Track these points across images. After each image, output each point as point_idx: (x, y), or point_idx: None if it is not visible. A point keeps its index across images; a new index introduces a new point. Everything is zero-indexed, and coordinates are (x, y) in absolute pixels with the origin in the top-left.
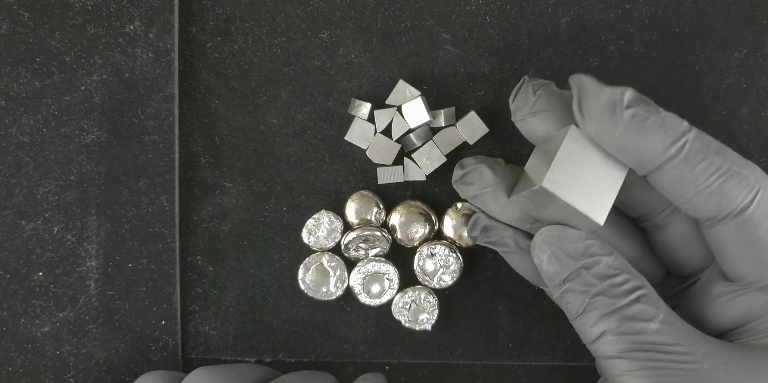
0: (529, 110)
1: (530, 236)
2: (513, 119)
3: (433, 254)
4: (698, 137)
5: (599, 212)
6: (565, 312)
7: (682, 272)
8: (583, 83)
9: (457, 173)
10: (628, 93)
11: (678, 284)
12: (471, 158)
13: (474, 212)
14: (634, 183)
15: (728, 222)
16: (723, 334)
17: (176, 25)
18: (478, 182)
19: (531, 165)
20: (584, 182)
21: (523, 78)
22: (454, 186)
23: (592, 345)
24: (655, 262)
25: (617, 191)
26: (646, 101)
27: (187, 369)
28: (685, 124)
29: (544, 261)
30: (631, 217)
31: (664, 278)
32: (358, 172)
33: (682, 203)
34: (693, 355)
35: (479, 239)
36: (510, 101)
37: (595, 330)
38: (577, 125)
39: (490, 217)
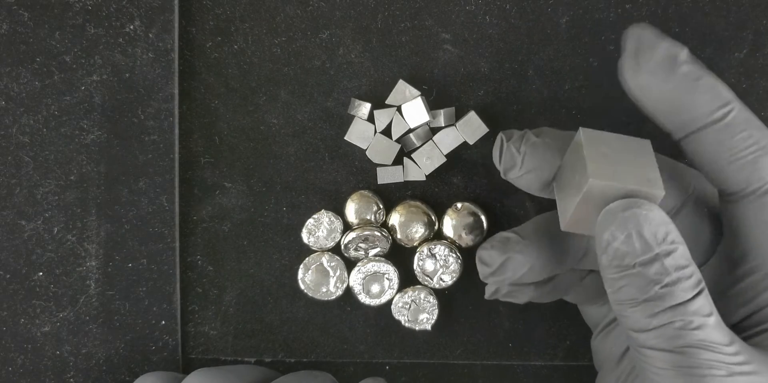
0: (519, 171)
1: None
2: (504, 177)
3: (432, 254)
4: (743, 109)
5: (655, 184)
6: (611, 291)
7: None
8: (642, 34)
9: (484, 270)
10: (685, 50)
11: None
12: (490, 249)
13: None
14: None
15: (752, 200)
16: (731, 325)
17: (176, 25)
18: (511, 272)
19: (562, 192)
20: (623, 165)
21: (499, 136)
22: (485, 281)
23: (641, 334)
24: None
25: (655, 160)
26: (700, 62)
27: (186, 369)
28: (733, 94)
29: (619, 239)
30: None
31: None
32: (358, 172)
33: (712, 170)
34: (740, 356)
35: (500, 298)
36: (495, 161)
37: (653, 321)
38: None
39: (511, 284)
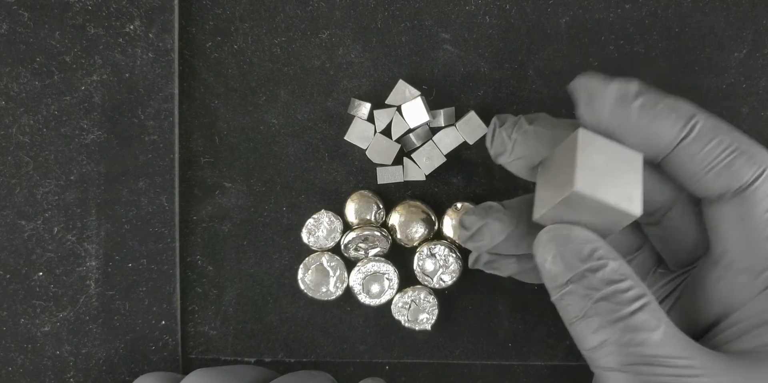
0: (509, 157)
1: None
2: (494, 161)
3: (432, 254)
4: (708, 119)
5: (634, 203)
6: (561, 314)
7: (676, 264)
8: (588, 83)
9: (463, 234)
10: (634, 83)
11: (670, 275)
12: (471, 214)
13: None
14: None
15: (731, 199)
16: (710, 326)
17: (176, 25)
18: (488, 238)
19: (544, 181)
20: (610, 178)
21: (493, 120)
22: (464, 245)
23: (589, 353)
24: (652, 253)
25: (641, 178)
26: (650, 88)
27: (186, 369)
28: (694, 107)
29: (548, 260)
30: None
31: (658, 268)
32: (358, 172)
33: (692, 183)
34: (695, 368)
35: (483, 268)
36: (487, 144)
37: (596, 337)
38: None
39: (491, 253)
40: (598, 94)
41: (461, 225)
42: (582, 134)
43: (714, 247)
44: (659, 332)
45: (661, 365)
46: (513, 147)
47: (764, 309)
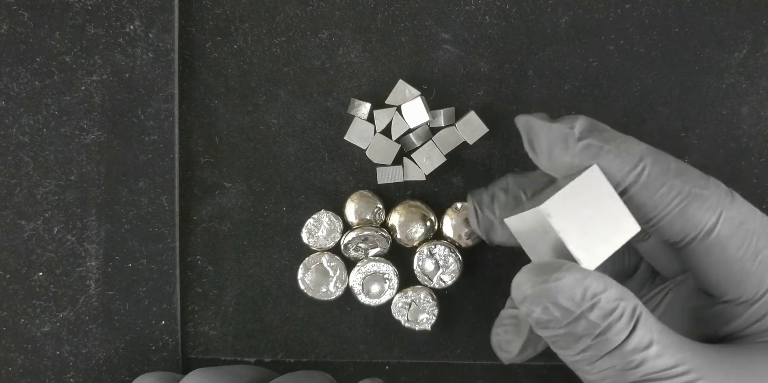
0: (501, 234)
1: None
2: (487, 242)
3: (432, 254)
4: (656, 161)
5: (592, 258)
6: (555, 350)
7: (670, 273)
8: (529, 123)
9: (505, 357)
10: (579, 123)
11: (663, 282)
12: (505, 334)
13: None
14: None
15: (696, 245)
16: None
17: (176, 25)
18: (532, 350)
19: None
20: (587, 222)
21: (470, 202)
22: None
23: (590, 378)
24: (648, 267)
25: (620, 245)
26: (599, 128)
27: (186, 369)
28: (643, 147)
29: (537, 312)
30: None
31: (654, 278)
32: (358, 172)
33: (648, 228)
34: (695, 372)
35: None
36: (473, 226)
37: (594, 370)
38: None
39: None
40: (540, 135)
41: (500, 349)
42: (591, 172)
43: (699, 283)
44: (654, 346)
45: (663, 378)
46: (501, 223)
47: (765, 330)
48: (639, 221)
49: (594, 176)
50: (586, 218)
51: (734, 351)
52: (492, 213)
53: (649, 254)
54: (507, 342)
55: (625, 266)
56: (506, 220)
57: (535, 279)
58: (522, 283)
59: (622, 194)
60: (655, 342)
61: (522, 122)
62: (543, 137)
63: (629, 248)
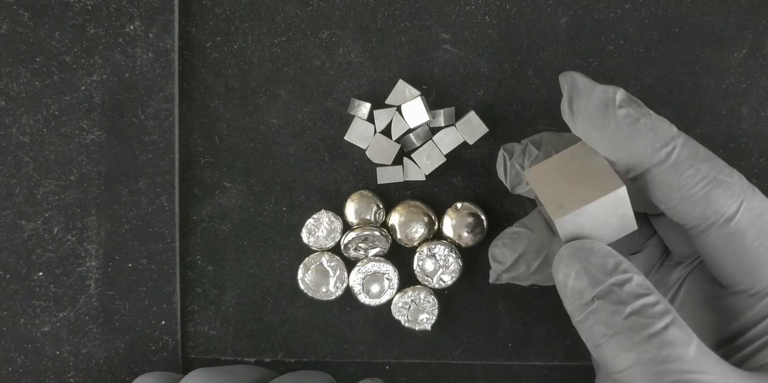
0: (526, 186)
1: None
2: (512, 192)
3: (432, 254)
4: (687, 144)
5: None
6: (586, 338)
7: (683, 253)
8: (575, 81)
9: (497, 268)
10: (620, 93)
11: (675, 268)
12: (501, 247)
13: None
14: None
15: (714, 232)
16: (722, 342)
17: (176, 25)
18: (524, 267)
19: (557, 184)
20: (577, 183)
21: (500, 153)
22: (499, 279)
23: (621, 374)
24: (659, 245)
25: (596, 199)
26: (637, 102)
27: (186, 369)
28: (675, 129)
29: (571, 277)
30: None
31: (665, 260)
32: (358, 172)
33: (667, 208)
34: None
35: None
36: (501, 178)
37: (629, 356)
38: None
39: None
40: (582, 95)
41: (493, 259)
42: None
43: (712, 271)
44: (693, 347)
45: (697, 382)
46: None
47: None
48: (662, 201)
49: (588, 147)
50: (569, 179)
51: (762, 376)
52: (521, 165)
53: (664, 230)
54: (502, 253)
55: (634, 239)
56: (525, 171)
57: (571, 244)
58: (562, 249)
59: (649, 170)
60: (694, 346)
61: (568, 78)
62: (585, 96)
63: (642, 223)
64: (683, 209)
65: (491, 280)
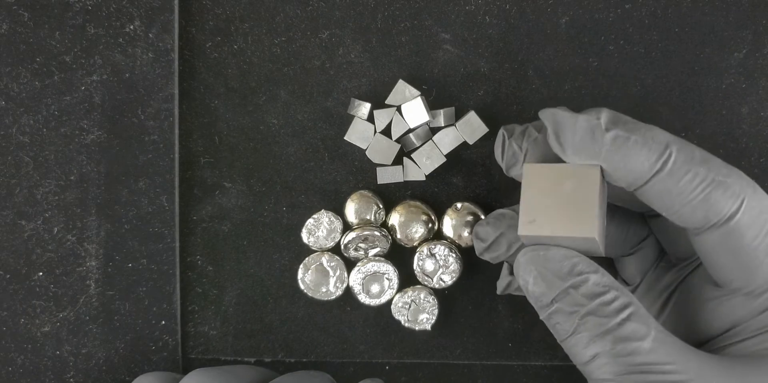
0: (521, 168)
1: None
2: (506, 174)
3: (432, 254)
4: (681, 149)
5: (527, 226)
6: (553, 333)
7: (679, 254)
8: (555, 116)
9: (479, 245)
10: (604, 115)
11: (671, 269)
12: (485, 225)
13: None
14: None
15: (714, 231)
16: (711, 339)
17: (176, 25)
18: (505, 247)
19: (530, 197)
20: (559, 209)
21: (500, 132)
22: (481, 257)
23: (584, 367)
24: (655, 246)
25: (559, 234)
26: (623, 119)
27: (186, 369)
28: (667, 135)
29: (530, 282)
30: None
31: (660, 262)
32: (358, 172)
33: (669, 214)
34: (687, 373)
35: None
36: (497, 158)
37: (588, 351)
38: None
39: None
40: (567, 128)
41: (476, 237)
42: (526, 172)
43: (708, 270)
44: (649, 339)
45: (654, 372)
46: (525, 158)
47: (765, 325)
48: (663, 208)
49: (530, 172)
50: (555, 199)
51: (731, 362)
52: (519, 146)
53: (660, 231)
54: (485, 231)
55: (629, 240)
56: (525, 164)
57: (528, 250)
58: (519, 256)
59: (648, 181)
60: (651, 337)
61: (548, 115)
62: (570, 129)
63: (637, 224)
64: (684, 214)
65: (499, 291)
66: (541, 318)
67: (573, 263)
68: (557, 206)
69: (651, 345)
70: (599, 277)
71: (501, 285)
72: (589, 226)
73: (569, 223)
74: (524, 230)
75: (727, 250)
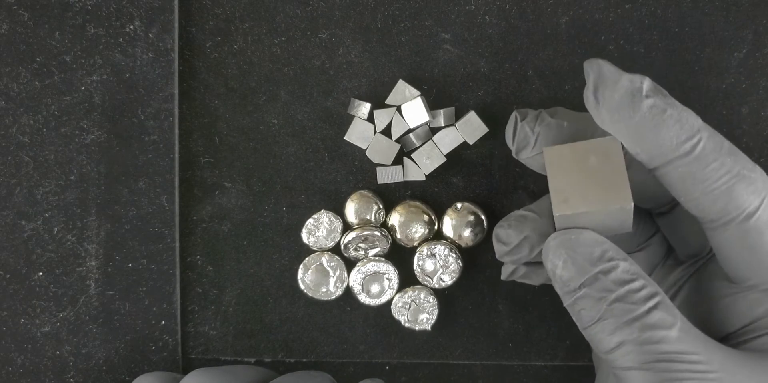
0: (531, 151)
1: None
2: (516, 157)
3: (432, 254)
4: (712, 136)
5: (623, 197)
6: (576, 319)
7: (685, 254)
8: (601, 69)
9: (500, 248)
10: (647, 82)
11: (679, 266)
12: (507, 228)
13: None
14: (644, 181)
15: (732, 226)
16: (725, 335)
17: (176, 25)
18: (527, 250)
19: (559, 177)
20: (589, 183)
21: (513, 115)
22: (501, 260)
23: (608, 355)
24: (662, 244)
25: (598, 207)
26: (663, 92)
27: (186, 369)
28: (700, 121)
29: (559, 266)
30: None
31: (667, 260)
32: (358, 172)
33: (687, 201)
34: (711, 364)
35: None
36: (508, 140)
37: (613, 338)
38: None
39: (526, 264)
40: (608, 84)
41: (497, 240)
42: (548, 154)
43: (723, 265)
44: (676, 328)
45: (680, 361)
46: (536, 141)
47: None
48: (682, 193)
49: (552, 154)
50: (584, 183)
51: (754, 357)
52: (531, 129)
53: (669, 228)
54: (507, 234)
55: (636, 237)
56: (544, 149)
57: (559, 233)
58: (549, 239)
59: (672, 162)
60: (677, 327)
61: (594, 66)
62: (611, 85)
63: (645, 221)
64: (704, 203)
65: (503, 276)
66: (565, 304)
67: (604, 249)
68: (586, 181)
69: (678, 334)
70: (628, 265)
71: (506, 271)
72: (623, 194)
73: (603, 195)
74: (559, 209)
75: (745, 247)
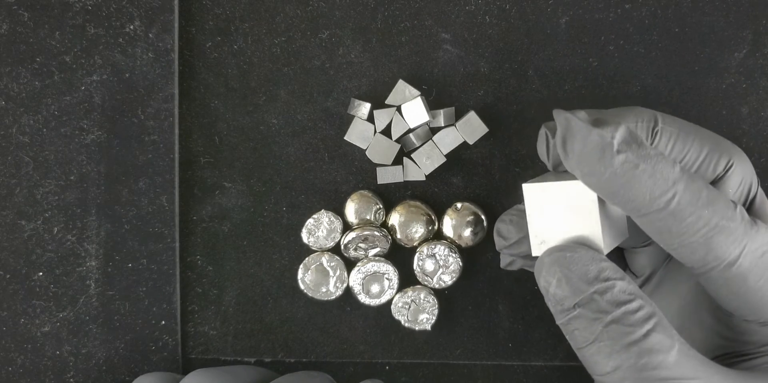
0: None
1: None
2: (551, 170)
3: (432, 254)
4: (688, 188)
5: (596, 242)
6: (569, 338)
7: (684, 262)
8: (569, 122)
9: (500, 242)
10: (619, 134)
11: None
12: (508, 223)
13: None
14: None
15: (715, 274)
16: (724, 350)
17: (176, 25)
18: (527, 246)
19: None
20: (564, 226)
21: (542, 131)
22: (500, 252)
23: (602, 378)
24: (658, 250)
25: (597, 210)
26: (637, 140)
27: (186, 369)
28: (677, 171)
29: (552, 284)
30: None
31: (672, 259)
32: (358, 172)
33: (667, 249)
34: None
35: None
36: (542, 157)
37: (609, 363)
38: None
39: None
40: (577, 138)
41: (497, 234)
42: (527, 191)
43: (716, 301)
44: (674, 352)
45: None
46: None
47: None
48: (662, 243)
49: (531, 191)
50: (559, 215)
51: (752, 378)
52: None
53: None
54: (508, 230)
55: (638, 231)
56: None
57: (554, 250)
58: (543, 255)
59: (647, 215)
60: (675, 350)
61: (561, 119)
62: (580, 140)
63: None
64: (683, 253)
65: (502, 265)
66: (557, 322)
67: (600, 267)
68: (562, 223)
69: (676, 358)
70: (626, 284)
71: (505, 260)
72: (596, 240)
73: (577, 239)
74: (537, 251)
75: (731, 292)
